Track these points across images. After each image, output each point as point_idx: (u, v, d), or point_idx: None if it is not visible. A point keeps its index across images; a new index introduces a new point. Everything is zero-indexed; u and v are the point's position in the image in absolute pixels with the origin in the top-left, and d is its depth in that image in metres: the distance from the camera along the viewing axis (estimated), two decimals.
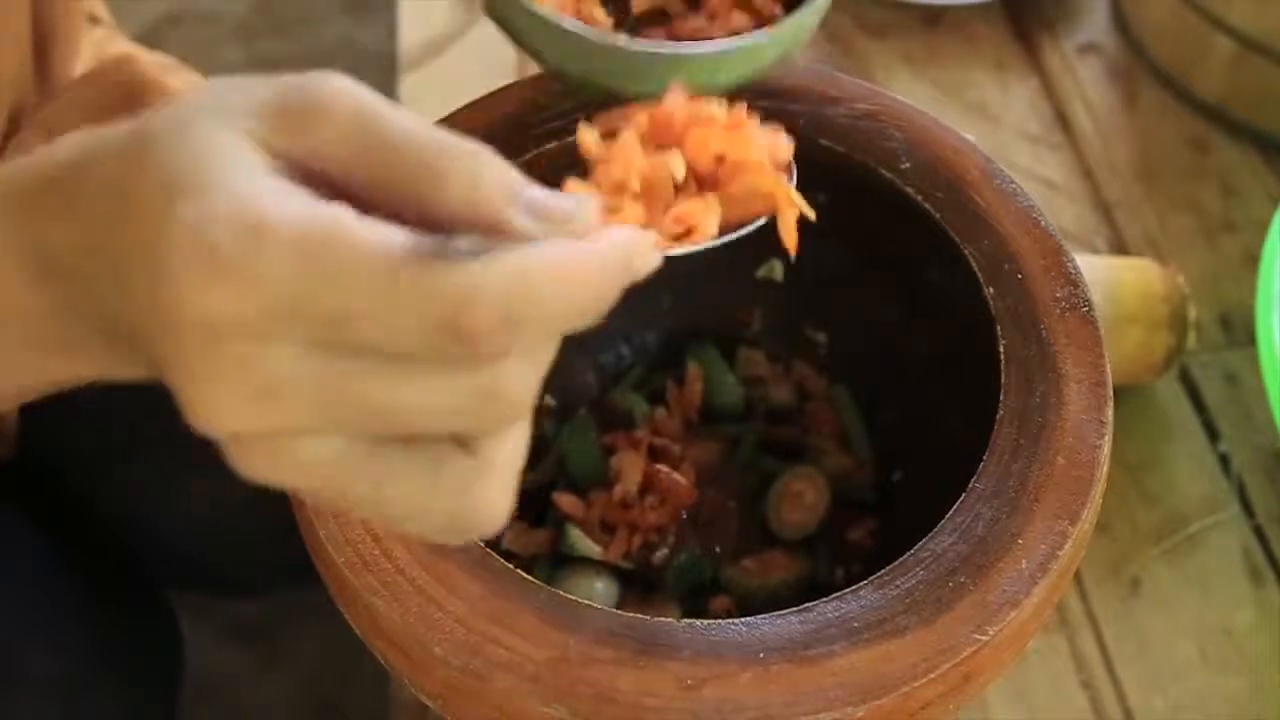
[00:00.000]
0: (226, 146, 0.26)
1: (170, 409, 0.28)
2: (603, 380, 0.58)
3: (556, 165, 0.50)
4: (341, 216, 0.25)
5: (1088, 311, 0.45)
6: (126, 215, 0.27)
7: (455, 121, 0.50)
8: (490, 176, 0.26)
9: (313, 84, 0.27)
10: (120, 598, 0.66)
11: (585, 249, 0.26)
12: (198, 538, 0.70)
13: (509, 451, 0.28)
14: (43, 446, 0.68)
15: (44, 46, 0.63)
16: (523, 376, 0.27)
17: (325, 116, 0.27)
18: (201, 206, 0.25)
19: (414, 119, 0.27)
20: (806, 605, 0.38)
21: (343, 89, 0.27)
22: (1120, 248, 0.73)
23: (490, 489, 0.28)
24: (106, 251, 0.28)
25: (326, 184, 0.27)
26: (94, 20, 0.68)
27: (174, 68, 0.71)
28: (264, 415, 0.26)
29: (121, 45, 0.70)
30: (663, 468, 0.53)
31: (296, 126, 0.27)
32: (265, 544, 0.69)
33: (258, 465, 0.27)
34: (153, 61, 0.70)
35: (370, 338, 0.25)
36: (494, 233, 0.26)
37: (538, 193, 0.27)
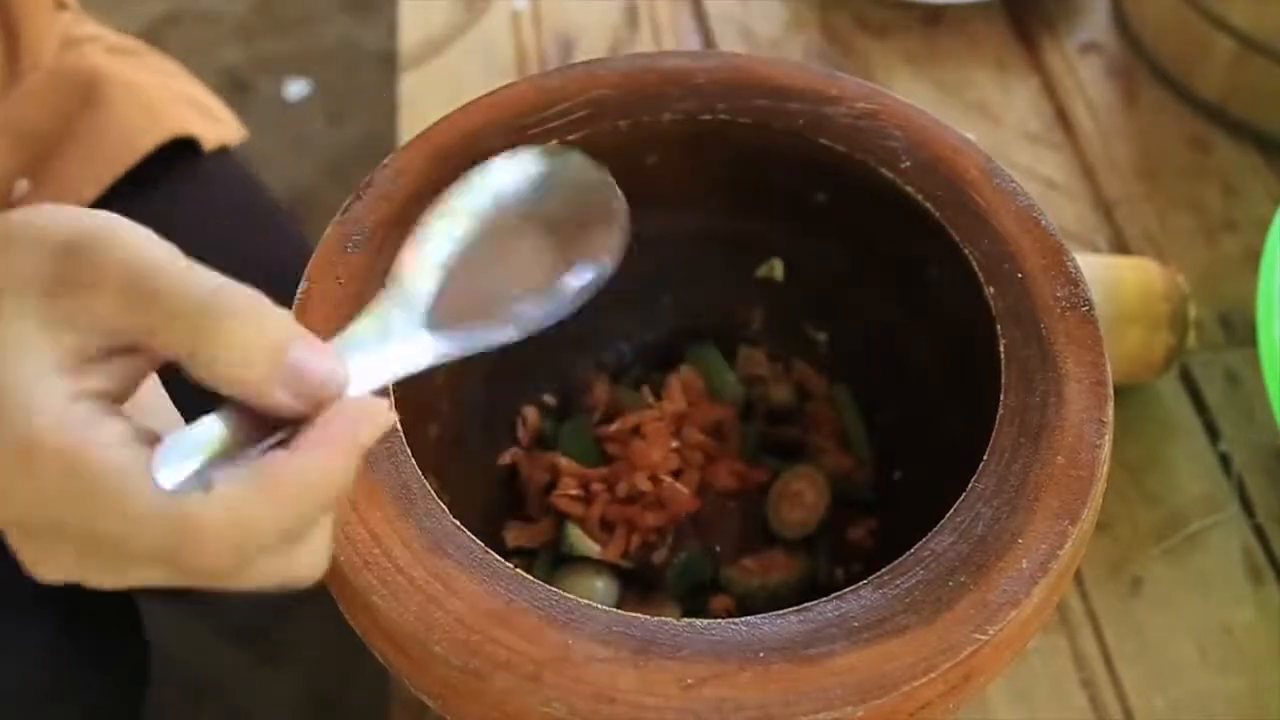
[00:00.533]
0: (18, 347, 0.30)
1: None
2: (603, 379, 0.58)
3: None
4: (99, 448, 0.29)
5: (1088, 311, 0.45)
6: None
7: (454, 121, 0.50)
8: (256, 346, 0.29)
9: (86, 250, 0.30)
10: (83, 599, 0.65)
11: (308, 464, 0.30)
12: None
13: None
14: None
15: (12, 38, 0.62)
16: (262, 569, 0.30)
17: (98, 287, 0.30)
18: None
19: (187, 274, 0.30)
20: (806, 605, 0.38)
21: (114, 252, 0.30)
22: (1121, 247, 0.73)
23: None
24: None
25: (121, 348, 0.31)
26: (60, 4, 0.67)
27: (134, 50, 0.70)
28: (81, 576, 0.31)
29: (88, 28, 0.69)
30: (665, 477, 0.53)
31: (76, 303, 0.30)
32: None
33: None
34: (116, 45, 0.69)
35: (116, 555, 0.30)
36: (258, 405, 0.30)
37: (298, 357, 0.30)
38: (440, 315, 0.34)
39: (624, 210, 0.36)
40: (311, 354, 0.30)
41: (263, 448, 0.30)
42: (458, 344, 0.34)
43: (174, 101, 0.68)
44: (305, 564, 0.31)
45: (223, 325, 0.29)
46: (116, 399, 0.31)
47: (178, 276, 0.30)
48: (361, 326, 0.33)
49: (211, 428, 0.30)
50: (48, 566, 0.31)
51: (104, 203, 0.63)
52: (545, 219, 0.36)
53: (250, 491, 0.29)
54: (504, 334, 0.34)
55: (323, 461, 0.30)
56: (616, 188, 0.36)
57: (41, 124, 0.63)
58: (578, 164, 0.37)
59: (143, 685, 0.67)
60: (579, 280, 0.35)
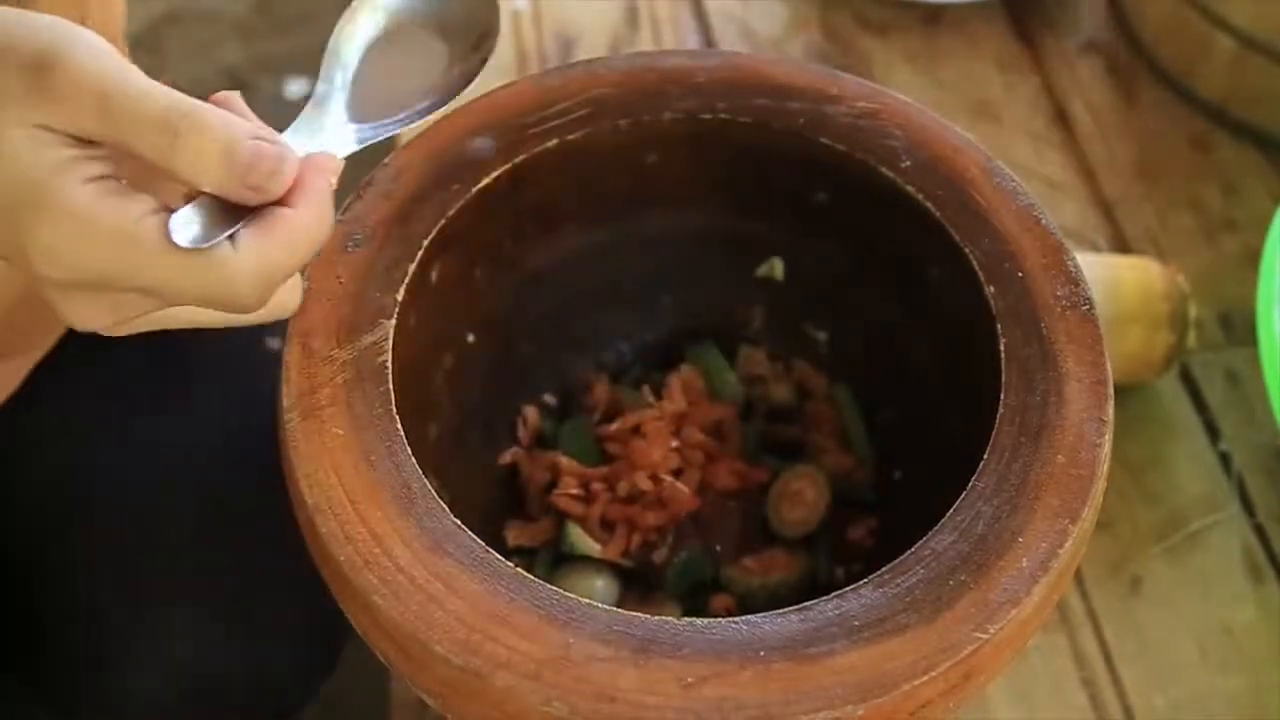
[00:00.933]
0: (28, 144, 0.34)
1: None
2: (603, 379, 0.58)
3: (555, 163, 0.51)
4: (139, 219, 0.34)
5: (1088, 310, 0.45)
6: None
7: (454, 120, 0.50)
8: (208, 151, 0.34)
9: (49, 69, 0.34)
10: None
11: (301, 213, 0.36)
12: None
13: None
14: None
15: None
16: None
17: (69, 101, 0.34)
18: (43, 218, 0.34)
19: (145, 91, 0.34)
20: (807, 604, 0.38)
21: (75, 73, 0.34)
22: (1121, 246, 0.73)
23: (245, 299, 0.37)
24: None
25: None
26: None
27: None
28: (117, 319, 0.37)
29: None
30: (665, 477, 0.53)
31: (56, 113, 0.34)
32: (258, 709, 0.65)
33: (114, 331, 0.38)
34: None
35: (157, 302, 0.37)
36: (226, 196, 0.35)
37: (249, 152, 0.35)
38: (356, 107, 0.40)
39: (496, 9, 0.43)
40: (260, 150, 0.35)
41: (242, 222, 0.36)
42: (375, 130, 0.40)
43: None
44: (290, 298, 0.39)
45: (177, 142, 0.34)
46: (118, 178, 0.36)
47: (131, 100, 0.34)
48: (300, 124, 0.39)
49: (205, 205, 0.35)
50: (86, 317, 0.37)
51: None
52: (436, 20, 0.42)
53: (269, 242, 0.35)
54: (406, 121, 0.41)
55: (316, 211, 0.36)
56: None
57: None
58: None
59: None
60: (463, 73, 0.42)
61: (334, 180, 0.37)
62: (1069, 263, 0.46)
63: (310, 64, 0.40)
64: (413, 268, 0.46)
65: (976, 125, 0.79)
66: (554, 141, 0.50)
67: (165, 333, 0.41)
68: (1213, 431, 0.66)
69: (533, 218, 0.53)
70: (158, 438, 0.62)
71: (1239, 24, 0.74)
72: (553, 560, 0.54)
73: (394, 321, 0.44)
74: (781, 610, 0.38)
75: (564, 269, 0.56)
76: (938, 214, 0.48)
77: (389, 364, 0.43)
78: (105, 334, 0.38)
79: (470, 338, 0.54)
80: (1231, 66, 0.76)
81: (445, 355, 0.52)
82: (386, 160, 0.49)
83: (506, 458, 0.56)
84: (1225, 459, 0.65)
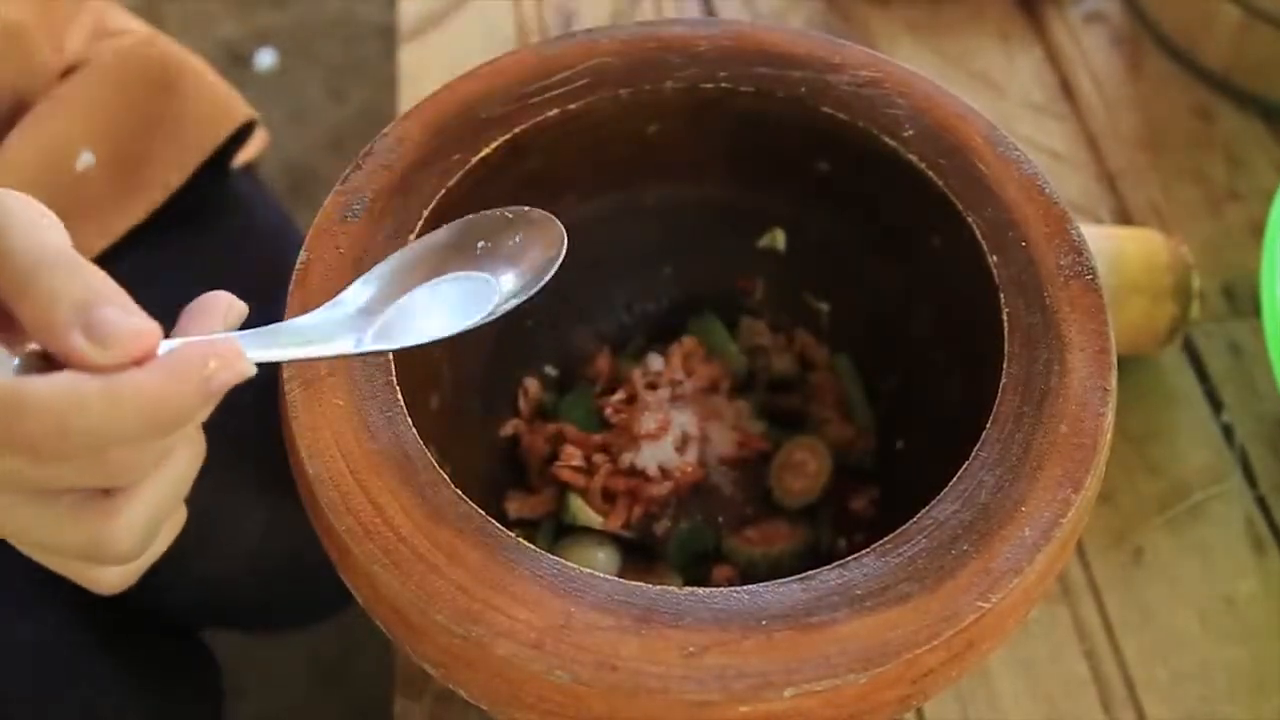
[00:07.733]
0: None
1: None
2: (604, 350, 0.58)
3: (556, 133, 0.50)
4: None
5: (1091, 279, 0.45)
6: None
7: (454, 89, 0.50)
8: (65, 296, 0.29)
9: None
10: (145, 639, 0.64)
11: (149, 379, 0.29)
12: (234, 594, 0.67)
13: (141, 502, 0.31)
14: None
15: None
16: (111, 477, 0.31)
17: None
18: None
19: (33, 235, 0.30)
20: (809, 573, 0.38)
21: None
22: (1124, 217, 0.73)
23: (119, 532, 0.31)
24: None
25: None
26: None
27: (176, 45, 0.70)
28: None
29: (121, 20, 0.69)
30: None
31: None
32: (309, 587, 0.66)
33: None
34: (153, 37, 0.69)
35: None
36: (61, 353, 0.29)
37: (105, 316, 0.29)
38: (376, 313, 0.39)
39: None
40: (120, 318, 0.30)
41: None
42: (384, 344, 0.38)
43: (231, 90, 0.69)
44: (121, 539, 0.32)
45: (36, 283, 0.29)
46: None
47: (19, 231, 0.30)
48: (304, 320, 0.37)
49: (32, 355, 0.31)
50: None
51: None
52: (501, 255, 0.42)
53: (86, 380, 0.29)
54: (425, 337, 0.39)
55: (163, 380, 0.30)
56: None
57: (114, 106, 0.63)
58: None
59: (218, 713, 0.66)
60: (506, 301, 0.41)
61: (226, 375, 0.31)
62: (1072, 231, 0.46)
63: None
64: (413, 238, 0.46)
65: (979, 96, 0.78)
66: (554, 111, 0.49)
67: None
68: (1215, 403, 0.65)
69: (533, 188, 0.52)
70: None
71: None
72: (554, 532, 0.54)
73: None
74: (783, 579, 0.38)
75: None
76: (940, 183, 0.47)
77: None
78: None
79: None
80: (1236, 36, 0.76)
81: None
82: (386, 130, 0.48)
83: (507, 429, 0.56)
84: (1228, 430, 0.64)
